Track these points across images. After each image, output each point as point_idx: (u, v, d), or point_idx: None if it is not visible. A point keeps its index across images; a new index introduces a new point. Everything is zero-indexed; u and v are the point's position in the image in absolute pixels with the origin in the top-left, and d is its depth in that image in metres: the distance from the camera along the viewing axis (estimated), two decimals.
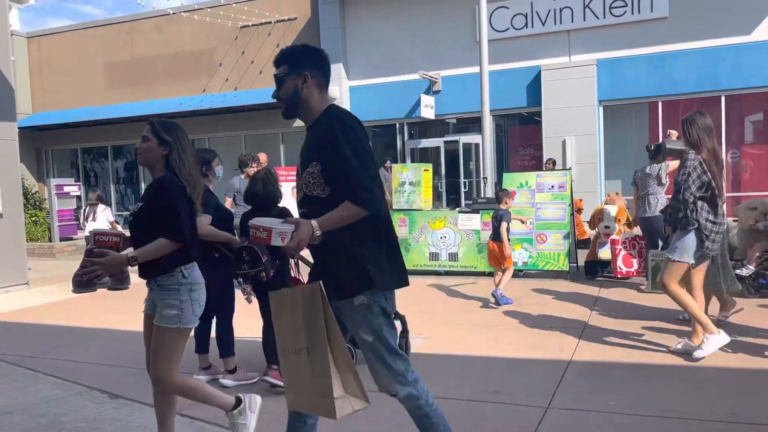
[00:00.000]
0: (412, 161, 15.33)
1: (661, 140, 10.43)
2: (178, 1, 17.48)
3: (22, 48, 19.71)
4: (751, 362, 4.63)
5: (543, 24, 14.09)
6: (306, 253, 2.73)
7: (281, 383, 4.57)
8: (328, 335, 2.37)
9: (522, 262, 8.73)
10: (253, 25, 16.50)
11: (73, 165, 20.39)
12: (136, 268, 3.11)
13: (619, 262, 8.10)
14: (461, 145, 15.28)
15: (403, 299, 6.86)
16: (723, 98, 12.99)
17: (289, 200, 7.04)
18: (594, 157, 13.76)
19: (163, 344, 3.10)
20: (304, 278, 4.59)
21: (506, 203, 7.33)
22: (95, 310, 7.49)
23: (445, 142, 15.64)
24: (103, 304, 7.90)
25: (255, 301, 4.56)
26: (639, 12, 13.31)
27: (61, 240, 14.76)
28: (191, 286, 3.13)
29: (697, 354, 4.68)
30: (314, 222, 2.45)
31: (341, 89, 15.86)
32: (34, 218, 15.99)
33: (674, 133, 7.93)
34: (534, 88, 14.26)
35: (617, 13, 13.47)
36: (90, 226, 8.98)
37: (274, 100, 2.75)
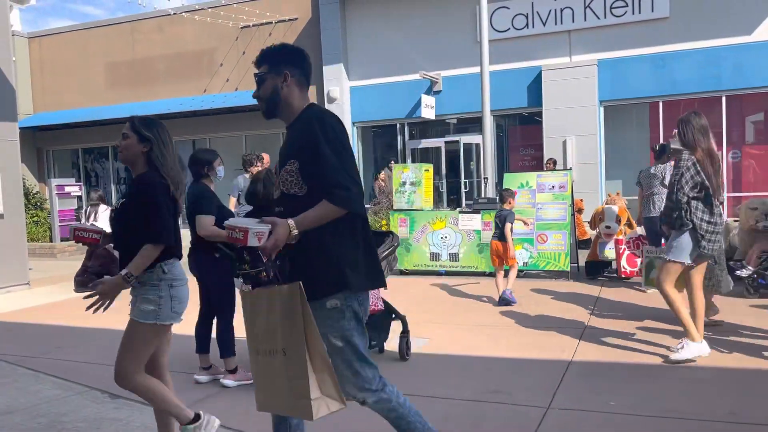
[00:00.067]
0: (413, 161, 15.32)
1: (665, 140, 10.44)
2: (179, 1, 17.51)
3: (23, 48, 19.72)
4: (750, 362, 4.64)
5: (544, 24, 14.08)
6: None
7: None
8: (305, 336, 2.34)
9: (523, 262, 8.73)
10: (253, 25, 16.51)
11: (74, 165, 20.40)
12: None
13: (623, 262, 8.11)
14: (462, 145, 15.28)
15: (404, 299, 6.89)
16: (724, 98, 12.97)
17: None
18: (595, 157, 13.76)
19: (134, 339, 3.04)
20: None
21: (510, 203, 7.35)
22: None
23: (446, 142, 15.63)
24: None
25: None
26: (640, 12, 13.30)
27: (62, 240, 14.77)
28: (171, 282, 3.07)
29: (673, 356, 4.70)
30: (291, 221, 2.42)
31: (342, 89, 15.87)
32: (35, 218, 16.01)
33: None
34: (535, 88, 14.26)
35: (618, 14, 13.46)
36: (102, 227, 8.99)
37: None
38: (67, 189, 15.33)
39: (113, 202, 18.80)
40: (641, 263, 8.02)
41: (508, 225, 7.12)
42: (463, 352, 5.30)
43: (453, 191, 15.63)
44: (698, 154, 4.61)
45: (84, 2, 61.05)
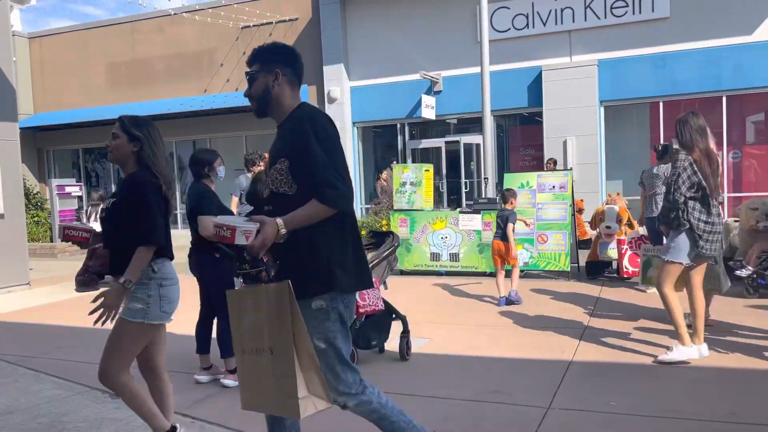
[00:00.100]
0: (413, 161, 15.33)
1: (667, 141, 10.43)
2: (179, 1, 17.50)
3: (24, 48, 19.73)
4: (749, 362, 4.64)
5: (544, 24, 14.08)
6: None
7: None
8: (294, 335, 2.33)
9: (523, 262, 8.73)
10: (254, 25, 16.51)
11: (75, 165, 20.40)
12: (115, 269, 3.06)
13: (626, 262, 8.11)
14: (462, 145, 15.28)
15: (405, 299, 6.89)
16: (724, 98, 12.97)
17: None
18: (595, 157, 13.76)
19: (122, 337, 3.02)
20: None
21: (512, 203, 7.36)
22: None
23: (446, 142, 15.64)
24: None
25: None
26: (640, 12, 13.30)
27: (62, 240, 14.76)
28: (161, 281, 3.05)
29: (660, 357, 4.74)
30: (279, 220, 2.41)
31: (342, 89, 15.87)
32: (35, 218, 16.02)
33: None
34: (535, 88, 14.26)
35: (618, 14, 13.46)
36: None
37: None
38: (68, 189, 15.33)
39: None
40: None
41: (510, 225, 7.13)
42: (464, 352, 5.30)
43: (453, 191, 15.64)
44: (695, 154, 4.61)
45: (84, 2, 61.09)
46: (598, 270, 8.60)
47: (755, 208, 6.79)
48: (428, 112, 14.76)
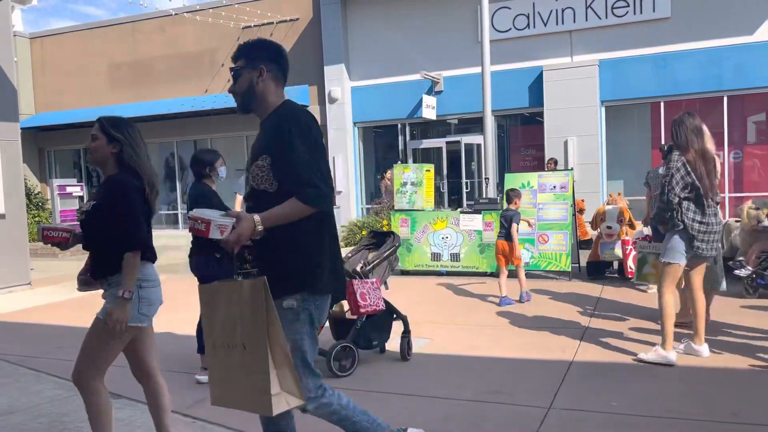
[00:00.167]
0: (414, 161, 15.33)
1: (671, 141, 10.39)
2: (180, 1, 17.49)
3: (25, 49, 19.75)
4: (750, 363, 4.63)
5: (545, 24, 14.08)
6: None
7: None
8: (268, 331, 2.31)
9: (524, 262, 8.72)
10: (255, 25, 16.51)
11: (76, 165, 20.41)
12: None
13: (630, 262, 8.10)
14: (463, 145, 15.28)
15: (406, 299, 6.89)
16: (725, 98, 12.96)
17: None
18: (596, 157, 13.75)
19: (97, 338, 2.98)
20: None
21: (516, 204, 7.38)
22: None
23: (447, 142, 15.64)
24: None
25: None
26: (641, 12, 13.29)
27: None
28: (141, 283, 2.99)
29: (641, 355, 4.78)
30: (257, 217, 2.39)
31: (343, 90, 15.87)
32: (36, 219, 16.02)
33: None
34: (536, 88, 14.25)
35: (619, 14, 13.46)
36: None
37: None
38: (69, 189, 15.32)
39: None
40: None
41: (514, 225, 7.16)
42: (464, 352, 5.30)
43: (454, 191, 15.63)
44: (689, 155, 4.60)
45: (85, 3, 61.14)
46: (599, 270, 8.60)
47: (756, 208, 6.79)
48: (429, 112, 14.76)
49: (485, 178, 12.10)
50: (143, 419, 3.89)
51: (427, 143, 15.91)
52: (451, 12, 14.79)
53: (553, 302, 7.15)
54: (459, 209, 10.44)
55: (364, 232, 12.34)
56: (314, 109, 16.27)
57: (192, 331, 4.78)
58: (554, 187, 8.89)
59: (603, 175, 13.90)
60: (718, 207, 4.88)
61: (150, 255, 3.07)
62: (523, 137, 15.44)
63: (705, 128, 4.98)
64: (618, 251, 8.44)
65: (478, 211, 9.26)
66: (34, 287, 9.55)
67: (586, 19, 13.73)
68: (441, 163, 15.41)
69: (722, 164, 11.88)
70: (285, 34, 16.29)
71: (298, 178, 2.43)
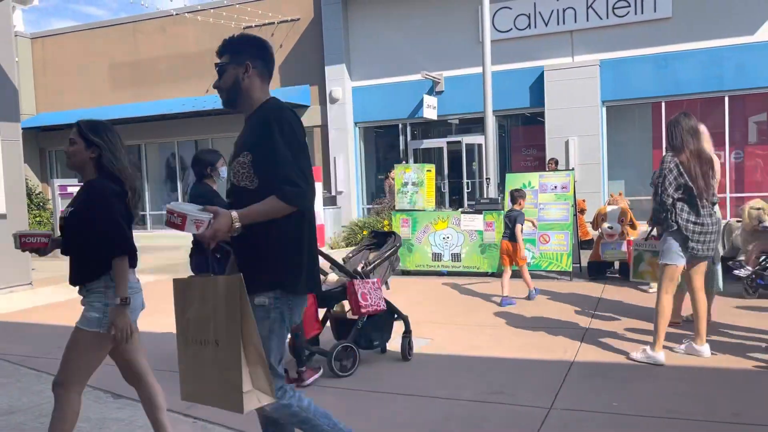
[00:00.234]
0: (415, 162, 15.33)
1: None
2: (181, 2, 17.51)
3: (26, 49, 19.76)
4: (750, 363, 4.62)
5: (546, 24, 14.08)
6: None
7: (310, 381, 4.58)
8: (242, 328, 2.28)
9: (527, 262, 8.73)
10: (256, 26, 16.51)
11: None
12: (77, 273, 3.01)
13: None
14: (464, 145, 15.28)
15: (407, 299, 6.89)
16: (726, 98, 12.96)
17: None
18: (597, 157, 13.75)
19: (76, 348, 2.92)
20: None
21: (520, 204, 7.38)
22: None
23: (448, 142, 15.64)
24: None
25: None
26: (642, 12, 13.29)
27: None
28: None
29: (632, 355, 4.81)
30: (235, 213, 2.36)
31: (344, 90, 15.87)
32: (37, 219, 16.02)
33: None
34: (537, 88, 14.25)
35: (620, 14, 13.45)
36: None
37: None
38: (70, 189, 15.29)
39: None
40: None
41: (518, 226, 7.18)
42: (465, 352, 5.30)
43: (455, 191, 15.63)
44: (683, 156, 4.59)
45: (86, 3, 61.17)
46: (600, 270, 8.59)
47: (758, 209, 6.78)
48: (430, 113, 14.76)
49: (486, 179, 12.10)
50: (144, 419, 3.88)
51: (428, 143, 15.91)
52: (452, 12, 14.79)
53: (554, 302, 7.15)
54: (460, 209, 10.44)
55: (365, 232, 12.34)
56: (315, 109, 16.28)
57: None
58: (555, 187, 8.89)
59: (604, 175, 13.90)
60: (717, 207, 4.88)
61: (132, 261, 3.00)
62: (524, 137, 15.44)
63: (704, 128, 4.97)
64: (624, 252, 8.42)
65: (479, 212, 9.25)
66: (35, 287, 9.55)
67: (587, 19, 13.73)
68: (442, 164, 15.41)
69: (723, 164, 11.89)
70: (286, 34, 16.29)
71: (278, 177, 2.41)
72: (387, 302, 5.00)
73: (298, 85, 16.05)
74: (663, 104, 13.40)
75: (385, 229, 11.38)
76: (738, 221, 7.70)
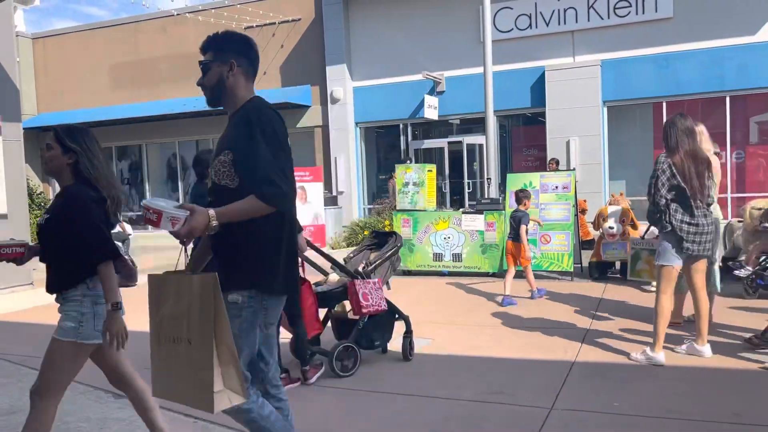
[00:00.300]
0: (416, 162, 15.33)
1: None
2: (182, 2, 17.53)
3: (27, 49, 19.78)
4: (751, 363, 4.62)
5: (547, 24, 14.07)
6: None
7: (312, 379, 4.58)
8: (215, 327, 2.27)
9: None
10: (257, 26, 16.52)
11: None
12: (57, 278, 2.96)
13: None
14: (465, 145, 15.28)
15: (407, 299, 6.88)
16: (728, 99, 12.95)
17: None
18: (598, 157, 13.74)
19: (54, 357, 2.87)
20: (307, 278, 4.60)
21: (525, 204, 7.39)
22: None
23: (449, 142, 15.64)
24: None
25: None
26: (643, 12, 13.28)
27: None
28: (96, 299, 2.87)
29: (633, 355, 4.82)
30: (212, 211, 2.34)
31: (345, 90, 15.87)
32: (38, 218, 16.06)
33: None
34: (538, 88, 14.25)
35: (621, 14, 13.45)
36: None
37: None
38: None
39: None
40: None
41: (523, 227, 7.18)
42: (466, 352, 5.30)
43: (456, 192, 15.64)
44: (677, 156, 4.59)
45: (87, 3, 61.21)
46: (601, 270, 8.58)
47: (759, 209, 6.77)
48: (431, 113, 14.76)
49: (487, 179, 12.10)
50: None
51: (429, 143, 15.91)
52: (453, 12, 14.79)
53: (555, 303, 7.15)
54: (461, 209, 10.43)
55: (366, 232, 12.34)
56: (316, 109, 16.28)
57: None
58: (556, 187, 8.88)
59: (605, 175, 13.89)
60: (718, 207, 4.87)
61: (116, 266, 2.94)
62: (525, 137, 15.44)
63: (703, 129, 4.96)
64: (625, 252, 8.41)
65: (480, 212, 9.25)
66: (36, 287, 9.55)
67: (588, 20, 13.72)
68: (443, 164, 15.41)
69: (724, 165, 11.87)
70: (287, 34, 16.30)
71: (258, 176, 2.39)
72: (388, 302, 5.00)
73: (299, 85, 16.06)
74: (664, 104, 13.39)
75: (386, 229, 11.38)
76: (739, 221, 7.69)
